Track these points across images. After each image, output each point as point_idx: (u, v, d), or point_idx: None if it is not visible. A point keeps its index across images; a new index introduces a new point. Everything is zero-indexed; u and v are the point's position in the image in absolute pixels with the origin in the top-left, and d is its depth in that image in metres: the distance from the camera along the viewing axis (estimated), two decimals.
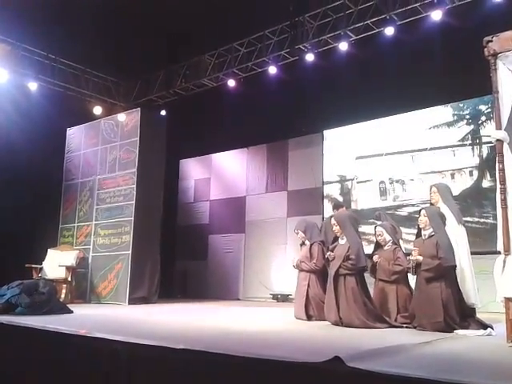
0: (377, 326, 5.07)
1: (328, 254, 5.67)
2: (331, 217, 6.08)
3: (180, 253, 12.55)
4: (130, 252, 9.03)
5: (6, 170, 9.07)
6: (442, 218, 5.11)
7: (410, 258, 5.03)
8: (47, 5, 8.01)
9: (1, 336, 4.60)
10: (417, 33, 7.67)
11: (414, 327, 4.91)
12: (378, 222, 6.36)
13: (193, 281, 11.91)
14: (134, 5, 8.25)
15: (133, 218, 9.18)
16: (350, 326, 5.13)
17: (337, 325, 5.30)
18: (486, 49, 4.04)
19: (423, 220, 5.07)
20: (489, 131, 7.70)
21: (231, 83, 9.68)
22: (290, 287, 8.19)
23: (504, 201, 3.83)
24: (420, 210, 5.23)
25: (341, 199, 10.11)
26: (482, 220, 8.24)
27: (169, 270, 11.59)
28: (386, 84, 8.62)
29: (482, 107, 8.66)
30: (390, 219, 6.57)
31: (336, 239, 5.71)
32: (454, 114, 8.97)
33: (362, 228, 7.71)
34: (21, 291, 6.09)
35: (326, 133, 10.61)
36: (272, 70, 9.14)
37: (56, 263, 8.66)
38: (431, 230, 5.01)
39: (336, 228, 5.64)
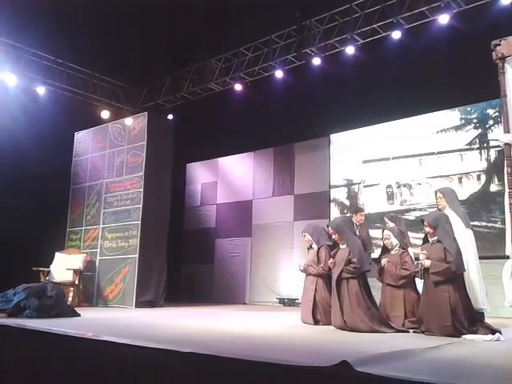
0: (382, 330, 5.03)
1: (330, 261, 5.67)
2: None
3: (186, 256, 12.57)
4: (136, 256, 9.06)
5: (14, 174, 9.14)
6: (447, 221, 5.04)
7: (419, 261, 5.00)
8: (56, 10, 8.09)
9: (9, 339, 4.62)
10: (424, 37, 7.66)
11: (422, 332, 4.87)
12: (391, 224, 6.33)
13: (199, 285, 11.91)
14: (141, 10, 8.31)
15: (140, 222, 9.21)
16: (355, 330, 5.10)
17: (342, 329, 5.27)
18: (493, 52, 4.04)
19: (429, 231, 5.01)
20: (497, 135, 7.67)
21: (238, 87, 9.71)
22: (297, 291, 8.17)
23: None
24: (422, 221, 5.15)
25: (348, 203, 10.10)
26: (490, 224, 8.19)
27: (175, 273, 11.62)
28: (393, 88, 8.59)
29: (490, 111, 8.62)
30: (403, 224, 6.50)
31: (336, 245, 5.71)
32: (461, 118, 8.93)
33: (369, 232, 7.66)
34: (27, 295, 6.11)
35: (333, 136, 10.59)
36: (279, 74, 9.16)
37: (63, 266, 8.69)
38: (437, 237, 4.96)
39: (335, 236, 5.65)
